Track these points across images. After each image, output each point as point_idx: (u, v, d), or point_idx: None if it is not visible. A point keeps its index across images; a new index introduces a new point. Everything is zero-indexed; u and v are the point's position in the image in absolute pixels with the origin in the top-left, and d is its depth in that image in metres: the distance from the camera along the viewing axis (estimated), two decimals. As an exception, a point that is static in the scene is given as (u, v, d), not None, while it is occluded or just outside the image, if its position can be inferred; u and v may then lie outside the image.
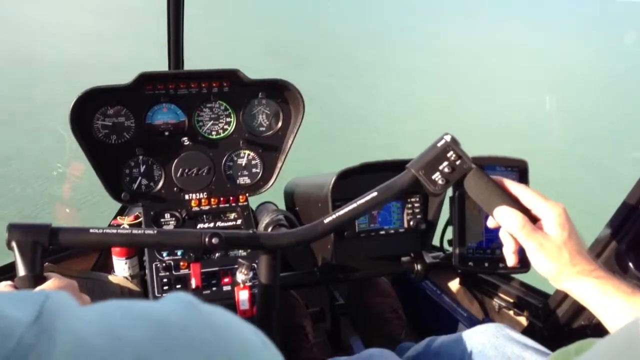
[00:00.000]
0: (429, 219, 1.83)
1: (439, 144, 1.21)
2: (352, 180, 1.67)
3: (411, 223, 1.80)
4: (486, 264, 1.62)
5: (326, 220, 1.20)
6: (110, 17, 13.78)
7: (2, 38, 11.34)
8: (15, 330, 0.33)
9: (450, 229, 1.67)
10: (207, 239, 1.12)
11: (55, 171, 4.67)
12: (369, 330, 2.15)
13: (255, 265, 1.72)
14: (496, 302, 1.91)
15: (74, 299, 0.40)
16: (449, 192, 1.64)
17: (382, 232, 1.79)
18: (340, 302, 2.25)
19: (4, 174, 5.98)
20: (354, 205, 1.20)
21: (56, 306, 0.37)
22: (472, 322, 1.95)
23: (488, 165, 1.57)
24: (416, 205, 1.82)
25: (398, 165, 1.26)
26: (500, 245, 1.62)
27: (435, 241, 1.87)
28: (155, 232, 1.12)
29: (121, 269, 1.99)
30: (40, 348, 0.32)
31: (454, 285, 2.06)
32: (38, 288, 0.96)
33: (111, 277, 1.99)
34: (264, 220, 1.39)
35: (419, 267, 1.89)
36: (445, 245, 1.80)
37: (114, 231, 1.09)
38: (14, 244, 1.02)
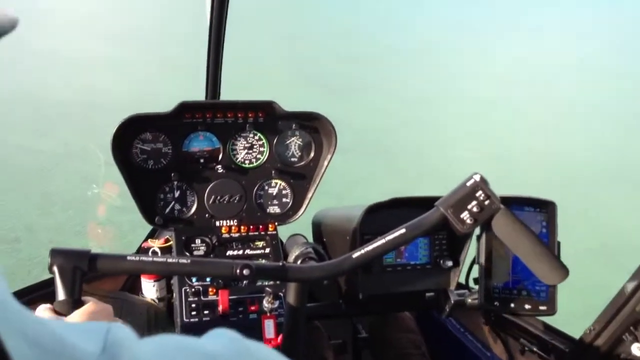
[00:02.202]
0: (455, 256, 1.83)
1: (468, 183, 1.23)
2: (381, 215, 1.69)
3: (438, 259, 1.80)
4: (512, 305, 1.62)
5: (354, 255, 1.22)
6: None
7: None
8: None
9: (476, 267, 1.68)
10: (238, 270, 1.15)
11: (90, 192, 4.78)
12: None
13: (282, 295, 1.74)
14: (521, 343, 1.89)
15: (131, 331, 0.43)
16: (477, 230, 1.65)
17: (409, 267, 1.80)
18: (363, 336, 2.24)
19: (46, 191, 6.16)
20: (382, 241, 1.22)
21: (118, 338, 0.39)
22: None
23: (515, 205, 1.58)
24: (443, 242, 1.82)
25: (428, 202, 1.28)
26: (526, 287, 1.62)
27: (462, 279, 1.87)
28: (189, 261, 1.16)
29: (149, 291, 2.02)
30: None
31: (479, 324, 2.05)
32: (76, 312, 0.99)
33: (139, 298, 2.03)
34: (294, 253, 1.41)
35: (443, 304, 1.88)
36: (471, 284, 1.79)
37: (150, 259, 1.13)
38: (55, 269, 1.06)
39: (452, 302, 1.85)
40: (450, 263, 1.80)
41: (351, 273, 1.77)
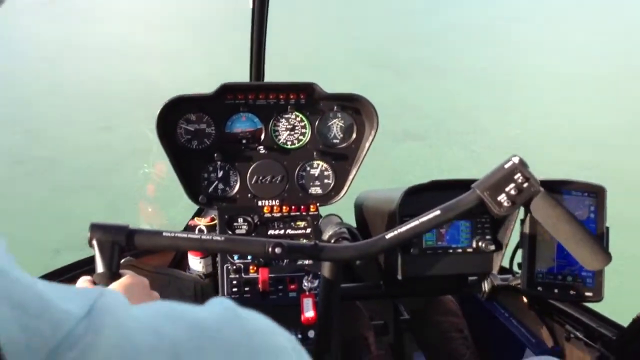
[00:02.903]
0: (498, 240, 1.80)
1: (506, 165, 1.21)
2: (422, 197, 1.67)
3: (480, 243, 1.77)
4: (556, 290, 1.59)
5: (387, 236, 1.22)
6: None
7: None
8: (66, 322, 0.37)
9: (520, 252, 1.65)
10: (270, 248, 1.17)
11: (142, 171, 4.92)
12: (432, 348, 2.13)
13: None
14: (567, 329, 1.84)
15: (125, 298, 0.45)
16: (521, 214, 1.62)
17: (450, 251, 1.78)
18: (405, 317, 2.24)
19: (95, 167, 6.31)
20: (416, 222, 1.21)
21: (107, 304, 0.41)
22: (540, 348, 1.89)
23: (563, 189, 1.54)
24: (486, 225, 1.79)
25: (468, 184, 1.26)
26: (572, 272, 1.58)
27: (506, 263, 1.84)
28: (223, 238, 1.18)
29: (196, 267, 2.08)
30: (88, 339, 0.36)
31: (523, 309, 2.01)
32: (113, 284, 1.04)
33: (186, 274, 2.09)
34: (327, 232, 1.42)
35: (486, 288, 1.85)
36: (515, 268, 1.76)
37: (185, 235, 1.16)
38: (94, 243, 1.11)
39: (496, 286, 1.82)
40: (492, 247, 1.77)
41: (386, 254, 1.77)
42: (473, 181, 1.26)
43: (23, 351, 0.34)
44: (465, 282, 1.87)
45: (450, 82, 10.26)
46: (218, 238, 1.18)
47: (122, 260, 1.92)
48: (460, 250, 1.79)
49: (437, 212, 1.22)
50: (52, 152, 6.46)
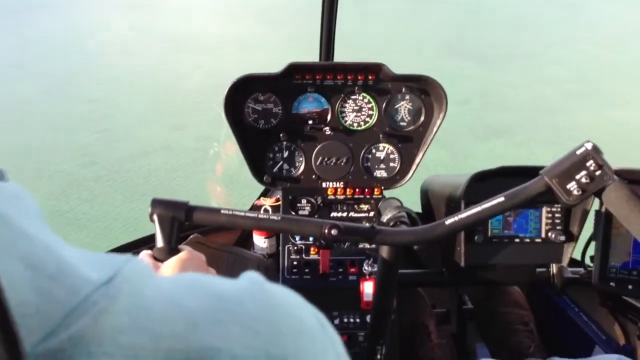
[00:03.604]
0: (570, 231, 1.72)
1: (578, 152, 1.14)
2: (489, 183, 1.62)
3: (549, 234, 1.71)
4: (630, 286, 1.51)
5: (447, 222, 1.19)
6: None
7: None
8: (83, 288, 0.36)
9: (593, 244, 1.57)
10: (326, 230, 1.16)
11: (212, 149, 4.97)
12: (496, 339, 2.08)
13: None
14: None
15: (150, 267, 0.44)
16: (596, 205, 1.54)
17: (517, 240, 1.72)
18: (469, 307, 2.19)
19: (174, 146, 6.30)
20: (478, 209, 1.17)
21: (132, 271, 0.41)
22: (611, 346, 1.80)
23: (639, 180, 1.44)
24: (557, 215, 1.71)
25: (537, 171, 1.21)
26: None
27: (577, 255, 1.76)
28: (279, 218, 1.19)
29: (260, 247, 2.12)
30: (102, 305, 0.36)
31: (594, 304, 1.92)
32: (170, 259, 1.06)
33: (251, 253, 2.13)
34: (386, 216, 1.40)
35: (556, 280, 1.78)
36: (587, 261, 1.69)
37: (242, 214, 1.17)
38: (155, 217, 1.14)
39: (565, 279, 1.75)
40: (562, 237, 1.69)
41: (450, 241, 1.73)
42: (542, 168, 1.21)
43: (33, 314, 0.34)
44: (532, 273, 1.81)
45: (542, 70, 9.53)
46: (274, 217, 1.18)
47: (191, 237, 1.99)
48: (528, 240, 1.73)
49: (501, 199, 1.17)
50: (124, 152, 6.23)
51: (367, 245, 1.78)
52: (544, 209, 1.72)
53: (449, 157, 5.84)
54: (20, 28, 13.42)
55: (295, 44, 9.50)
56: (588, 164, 1.13)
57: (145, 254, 1.11)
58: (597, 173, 1.13)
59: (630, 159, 5.43)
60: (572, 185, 1.14)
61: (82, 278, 0.37)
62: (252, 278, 0.48)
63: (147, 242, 2.05)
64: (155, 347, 0.37)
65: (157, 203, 1.14)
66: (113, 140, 6.62)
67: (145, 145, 6.40)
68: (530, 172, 1.23)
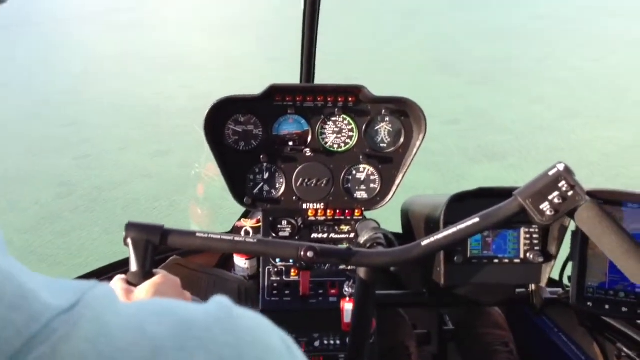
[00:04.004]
0: (547, 252, 1.74)
1: (550, 173, 1.16)
2: (468, 204, 1.64)
3: (528, 254, 1.72)
4: (607, 306, 1.52)
5: (424, 243, 1.20)
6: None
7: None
8: (43, 315, 0.36)
9: (570, 265, 1.59)
10: (302, 252, 1.17)
11: (193, 171, 4.92)
12: None
13: None
14: (618, 347, 1.76)
15: (115, 294, 0.44)
16: (572, 226, 1.56)
17: (496, 261, 1.73)
18: (450, 328, 2.20)
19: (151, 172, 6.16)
20: (454, 229, 1.18)
21: (95, 298, 0.40)
22: None
23: (620, 201, 1.47)
24: (534, 235, 1.73)
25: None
26: (625, 288, 1.51)
27: (555, 275, 1.78)
28: (255, 240, 1.18)
29: (241, 268, 2.10)
30: (62, 332, 0.35)
31: (573, 324, 1.93)
32: (144, 283, 1.06)
33: (231, 275, 2.12)
34: (363, 237, 1.41)
35: (535, 300, 1.80)
36: (565, 281, 1.70)
37: (218, 237, 1.17)
38: (129, 241, 1.13)
39: (544, 299, 1.77)
40: (541, 259, 1.71)
41: (429, 262, 1.74)
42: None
43: None
44: (512, 294, 1.82)
45: (535, 87, 9.22)
46: (251, 240, 1.18)
47: (170, 259, 1.98)
48: (507, 261, 1.74)
49: (476, 220, 1.19)
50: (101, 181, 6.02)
51: (348, 267, 1.78)
52: (522, 230, 1.74)
53: (440, 180, 5.73)
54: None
55: (279, 63, 9.48)
56: (560, 184, 1.15)
57: (118, 279, 1.10)
58: (570, 193, 1.15)
59: (628, 177, 5.54)
60: (545, 206, 1.16)
61: (42, 304, 0.37)
62: (220, 302, 0.47)
63: (122, 265, 2.03)
64: None
65: (131, 227, 1.14)
66: (92, 167, 6.45)
67: (126, 173, 6.19)
68: (508, 193, 1.25)
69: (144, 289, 1.03)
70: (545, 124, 7.51)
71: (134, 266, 1.12)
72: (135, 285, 1.07)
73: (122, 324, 0.39)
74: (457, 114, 7.84)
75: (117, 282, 1.08)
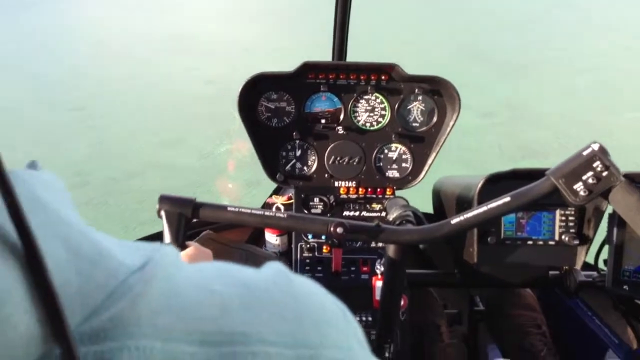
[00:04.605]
0: (583, 234, 1.71)
1: (584, 152, 1.14)
2: (502, 185, 1.62)
3: (563, 236, 1.70)
4: None
5: (453, 221, 1.19)
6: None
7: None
8: (120, 272, 0.38)
9: (607, 248, 1.56)
10: (332, 228, 1.17)
11: (223, 148, 4.92)
12: (508, 341, 2.07)
13: None
14: None
15: (179, 256, 0.46)
16: (610, 208, 1.53)
17: (530, 242, 1.71)
18: (480, 308, 2.19)
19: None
20: (484, 208, 1.17)
21: (163, 258, 0.42)
22: (623, 350, 1.79)
23: None
24: (570, 218, 1.70)
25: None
26: None
27: (590, 259, 1.75)
28: (286, 215, 1.19)
29: (272, 244, 2.12)
30: (138, 289, 0.37)
31: (607, 308, 1.91)
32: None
33: (262, 251, 2.14)
34: (392, 214, 1.40)
35: (569, 283, 1.77)
36: (601, 264, 1.68)
37: (248, 211, 1.19)
38: (162, 214, 1.16)
39: (578, 282, 1.74)
40: (576, 241, 1.68)
41: (461, 241, 1.72)
42: None
43: (75, 295, 0.35)
44: (545, 276, 1.80)
45: (568, 77, 8.70)
46: (281, 215, 1.19)
47: (203, 233, 2.01)
48: (541, 243, 1.72)
49: (507, 199, 1.17)
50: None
51: (380, 244, 1.78)
52: (558, 212, 1.71)
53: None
54: (5, 25, 13.06)
55: (298, 46, 9.20)
56: (595, 164, 1.13)
57: None
58: (604, 174, 1.13)
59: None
60: (578, 186, 1.14)
61: (118, 262, 0.39)
62: (275, 268, 0.49)
63: (156, 238, 2.07)
64: (189, 330, 0.38)
65: (164, 199, 1.16)
66: (105, 156, 6.19)
67: (139, 164, 5.90)
68: (543, 174, 1.23)
69: None
70: (585, 117, 7.11)
71: (167, 238, 1.14)
72: None
73: (190, 282, 0.41)
74: (492, 106, 7.45)
75: None
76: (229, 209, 1.19)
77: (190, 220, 1.17)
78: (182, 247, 1.13)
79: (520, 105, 7.64)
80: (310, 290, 0.48)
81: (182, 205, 1.16)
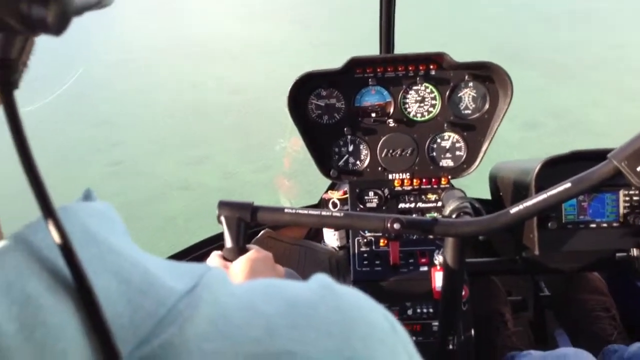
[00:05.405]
0: None
1: None
2: (560, 169, 1.58)
3: (628, 217, 1.64)
4: None
5: (512, 211, 1.17)
6: None
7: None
8: (169, 298, 0.39)
9: None
10: (389, 224, 1.18)
11: (278, 145, 4.92)
12: (576, 327, 2.02)
13: None
14: None
15: (226, 275, 0.46)
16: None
17: (593, 225, 1.66)
18: (546, 294, 2.14)
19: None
20: (544, 196, 1.15)
21: (211, 280, 0.43)
22: None
23: None
24: (635, 198, 1.65)
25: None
26: None
27: None
28: (342, 214, 1.21)
29: (330, 240, 2.15)
30: (186, 314, 0.38)
31: None
32: (240, 258, 1.11)
33: (321, 246, 2.17)
34: (449, 207, 1.39)
35: (638, 265, 1.72)
36: None
37: (305, 212, 1.21)
38: (222, 219, 1.19)
39: None
40: None
41: (521, 228, 1.69)
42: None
43: (127, 325, 0.36)
44: (612, 259, 1.74)
45: (621, 80, 7.51)
46: (337, 214, 1.21)
47: (262, 232, 2.05)
48: (605, 225, 1.67)
49: (568, 185, 1.14)
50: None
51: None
52: (621, 192, 1.66)
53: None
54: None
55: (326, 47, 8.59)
56: None
57: (215, 255, 1.16)
58: None
59: None
60: None
61: (167, 289, 0.40)
62: (322, 280, 0.49)
63: (214, 241, 2.13)
64: (236, 352, 0.38)
65: (223, 205, 1.20)
66: (124, 177, 5.82)
67: (162, 185, 5.52)
68: (603, 155, 1.19)
69: (240, 264, 1.08)
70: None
71: (228, 242, 1.18)
72: (231, 261, 1.13)
73: (236, 304, 0.42)
74: (537, 115, 6.46)
75: (214, 258, 1.15)
76: (286, 210, 1.21)
77: (249, 224, 1.20)
78: (243, 250, 1.16)
79: (568, 113, 6.62)
80: (358, 304, 0.47)
81: (240, 209, 1.19)
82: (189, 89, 8.26)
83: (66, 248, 0.35)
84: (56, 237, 0.34)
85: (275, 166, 5.16)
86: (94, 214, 0.43)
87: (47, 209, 0.35)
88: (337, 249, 2.16)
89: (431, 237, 1.78)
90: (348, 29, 10.22)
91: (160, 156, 6.12)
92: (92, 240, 0.39)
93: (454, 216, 1.34)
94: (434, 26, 10.93)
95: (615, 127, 6.00)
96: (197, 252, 2.12)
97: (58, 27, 0.31)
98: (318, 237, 2.26)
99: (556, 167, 1.59)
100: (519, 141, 5.79)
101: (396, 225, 1.17)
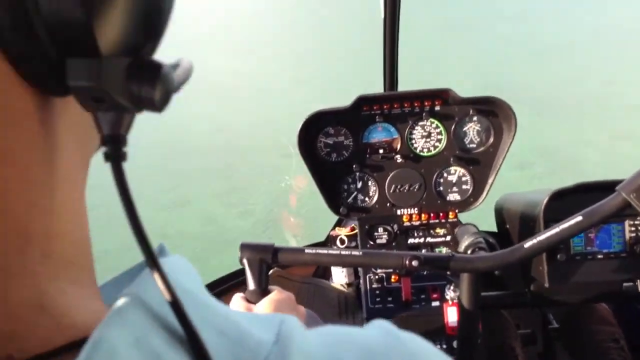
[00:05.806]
0: None
1: None
2: (567, 200, 1.61)
3: (634, 247, 1.66)
4: None
5: (526, 245, 1.20)
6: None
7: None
8: (262, 349, 0.40)
9: None
10: (407, 261, 1.20)
11: (284, 183, 4.90)
12: (586, 358, 2.02)
13: None
14: None
15: (301, 324, 0.47)
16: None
17: (600, 256, 1.68)
18: (555, 326, 2.14)
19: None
20: (557, 230, 1.18)
21: (290, 329, 0.44)
22: None
23: None
24: None
25: (616, 186, 1.20)
26: None
27: None
28: (361, 253, 1.23)
29: (339, 277, 2.15)
30: None
31: None
32: (263, 300, 1.11)
33: (329, 284, 2.17)
34: (464, 243, 1.42)
35: None
36: None
37: (325, 252, 1.23)
38: (245, 261, 1.21)
39: None
40: None
41: (527, 262, 1.71)
42: (620, 183, 1.20)
43: None
44: (619, 289, 1.76)
45: (613, 118, 7.33)
46: (356, 253, 1.23)
47: (271, 271, 2.05)
48: (612, 255, 1.69)
49: (579, 218, 1.17)
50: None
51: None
52: (627, 222, 1.68)
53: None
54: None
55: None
56: None
57: (238, 297, 1.17)
58: None
59: None
60: None
61: (256, 340, 0.41)
62: (385, 327, 0.49)
63: (232, 278, 2.12)
64: None
65: (245, 247, 1.21)
66: (97, 224, 5.11)
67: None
68: (609, 186, 1.22)
69: (264, 306, 1.09)
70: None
71: (251, 284, 1.19)
72: (254, 303, 1.14)
73: (319, 353, 0.43)
74: (526, 155, 6.21)
75: (238, 301, 1.15)
76: (306, 251, 1.23)
77: (270, 265, 1.22)
78: (266, 292, 1.17)
79: (558, 152, 6.47)
80: (424, 350, 0.48)
81: (262, 251, 1.21)
82: (172, 127, 7.58)
83: (176, 305, 0.36)
84: (166, 294, 0.36)
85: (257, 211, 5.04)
86: (182, 271, 0.44)
87: (158, 269, 0.36)
88: (345, 285, 2.16)
89: (448, 273, 1.79)
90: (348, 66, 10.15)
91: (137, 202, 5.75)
92: (191, 297, 0.40)
93: (469, 252, 1.36)
94: (419, 60, 10.16)
95: (608, 168, 5.79)
96: (216, 289, 2.11)
97: (162, 105, 0.34)
98: (326, 274, 2.26)
99: (563, 199, 1.62)
100: (513, 182, 5.50)
101: (414, 263, 1.19)
